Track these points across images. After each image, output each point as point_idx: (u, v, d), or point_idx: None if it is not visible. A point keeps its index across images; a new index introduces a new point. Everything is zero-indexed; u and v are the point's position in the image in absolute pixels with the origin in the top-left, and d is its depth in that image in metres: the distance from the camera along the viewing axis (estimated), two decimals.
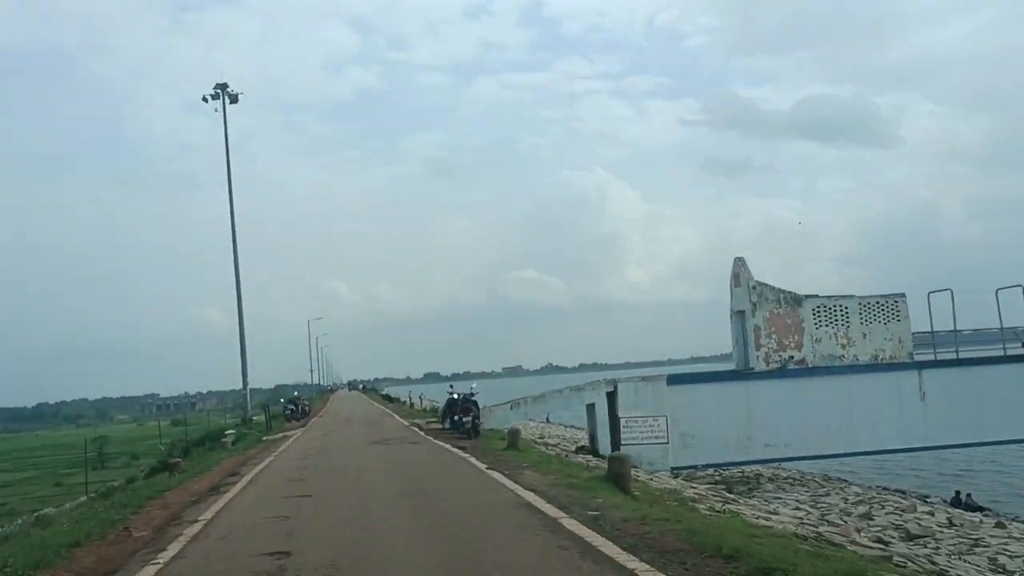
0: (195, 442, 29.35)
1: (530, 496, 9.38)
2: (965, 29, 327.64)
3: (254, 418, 30.21)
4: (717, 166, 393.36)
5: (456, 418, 20.31)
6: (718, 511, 11.39)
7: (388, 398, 60.27)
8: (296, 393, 42.75)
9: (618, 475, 10.34)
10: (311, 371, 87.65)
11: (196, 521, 9.26)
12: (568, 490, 9.74)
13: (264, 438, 24.25)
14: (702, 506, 11.65)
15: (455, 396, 21.42)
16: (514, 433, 16.88)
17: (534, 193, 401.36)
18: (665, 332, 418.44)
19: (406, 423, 26.47)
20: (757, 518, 11.83)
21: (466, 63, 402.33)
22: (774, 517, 13.20)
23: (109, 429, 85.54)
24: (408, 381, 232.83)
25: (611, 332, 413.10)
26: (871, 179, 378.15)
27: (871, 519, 16.85)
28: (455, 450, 15.92)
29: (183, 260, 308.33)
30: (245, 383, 30.01)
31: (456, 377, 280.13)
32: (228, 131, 29.57)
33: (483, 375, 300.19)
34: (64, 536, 8.96)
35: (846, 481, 24.08)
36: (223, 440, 25.54)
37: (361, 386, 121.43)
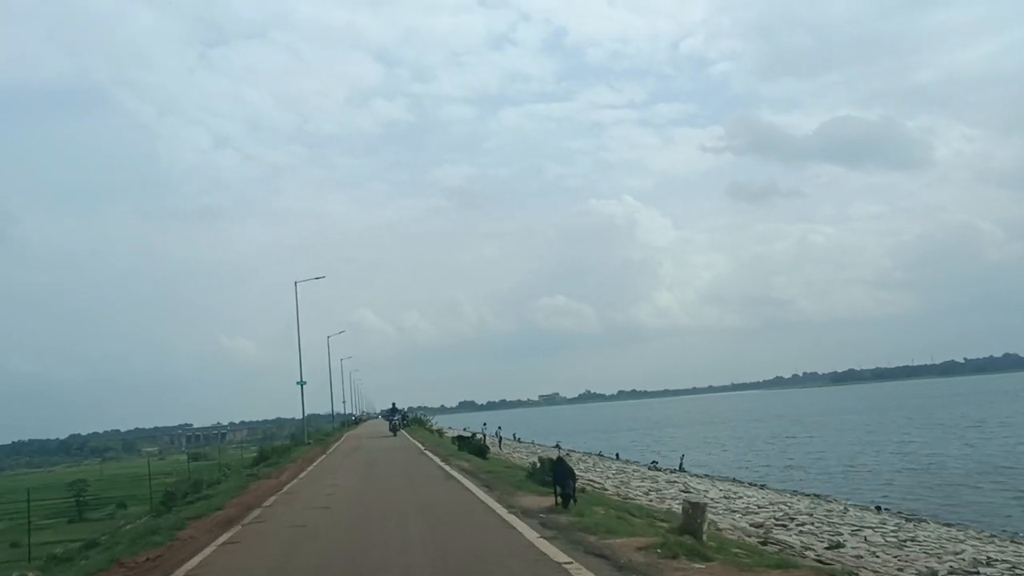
0: None
1: None
2: (993, 49, 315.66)
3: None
4: (742, 192, 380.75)
5: None
6: None
7: (465, 445, 26.65)
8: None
9: None
10: (308, 391, 66.23)
11: None
12: None
13: None
14: None
15: None
16: None
17: (562, 222, 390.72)
18: (702, 359, 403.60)
19: None
20: None
21: (491, 94, 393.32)
22: None
23: (131, 463, 79.53)
24: (443, 410, 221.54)
25: (647, 359, 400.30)
26: (904, 203, 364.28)
27: None
28: None
29: (215, 291, 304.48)
30: None
31: (492, 406, 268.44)
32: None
33: (520, 404, 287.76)
34: None
35: None
36: None
37: (400, 416, 75.99)
